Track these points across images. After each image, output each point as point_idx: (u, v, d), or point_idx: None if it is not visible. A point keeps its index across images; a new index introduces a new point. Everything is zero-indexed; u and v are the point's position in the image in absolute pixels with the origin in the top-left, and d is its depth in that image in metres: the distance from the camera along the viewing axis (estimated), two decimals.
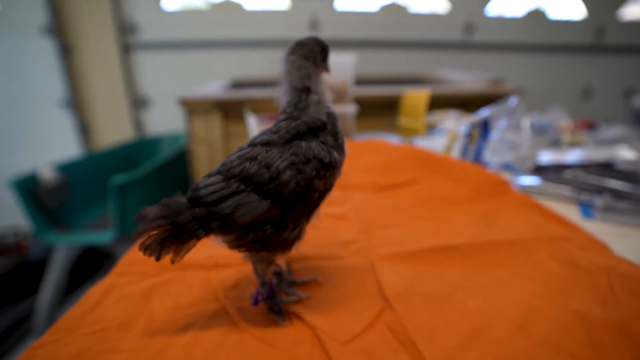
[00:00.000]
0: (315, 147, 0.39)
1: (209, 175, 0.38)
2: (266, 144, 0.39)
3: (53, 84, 1.94)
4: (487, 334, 0.38)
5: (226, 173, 0.37)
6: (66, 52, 1.93)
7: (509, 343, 0.37)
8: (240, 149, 0.40)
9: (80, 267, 1.64)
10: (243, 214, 0.36)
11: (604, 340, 0.36)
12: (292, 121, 0.41)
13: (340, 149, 0.42)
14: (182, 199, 0.37)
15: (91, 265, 1.74)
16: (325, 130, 0.42)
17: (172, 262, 0.36)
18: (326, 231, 0.61)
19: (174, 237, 0.35)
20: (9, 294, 1.66)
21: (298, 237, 0.40)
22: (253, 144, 0.40)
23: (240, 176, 0.37)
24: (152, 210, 0.35)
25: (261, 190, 0.37)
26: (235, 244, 0.39)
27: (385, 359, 0.36)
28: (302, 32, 2.02)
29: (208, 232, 0.37)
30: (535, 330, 0.39)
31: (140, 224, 0.34)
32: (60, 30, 1.89)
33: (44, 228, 1.43)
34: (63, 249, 1.50)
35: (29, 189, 1.39)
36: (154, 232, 0.35)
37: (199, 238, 0.37)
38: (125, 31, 1.99)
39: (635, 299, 0.41)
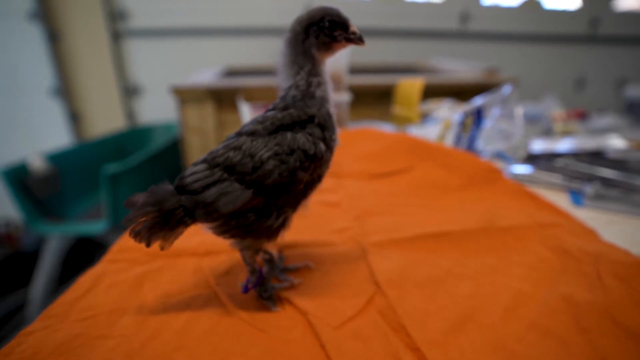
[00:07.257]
0: (300, 138, 0.38)
1: (195, 164, 0.38)
2: (251, 134, 0.39)
3: (41, 71, 1.89)
4: (478, 319, 0.39)
5: (211, 162, 0.38)
6: (54, 38, 1.88)
7: (499, 327, 0.38)
8: (228, 138, 0.40)
9: (73, 258, 1.62)
10: (225, 203, 0.36)
11: (591, 323, 0.37)
12: (279, 112, 0.40)
13: (329, 145, 0.41)
14: (169, 187, 0.37)
15: (84, 255, 1.73)
16: (313, 122, 0.40)
17: (162, 248, 0.36)
18: (319, 218, 0.61)
19: (162, 223, 0.35)
20: (1, 285, 1.65)
21: (283, 225, 0.40)
22: (239, 133, 0.40)
23: (224, 165, 0.37)
24: (140, 197, 0.35)
25: (244, 180, 0.36)
26: (220, 230, 0.39)
27: (376, 343, 0.36)
28: None
29: (194, 219, 0.37)
30: (525, 314, 0.39)
31: (130, 210, 0.35)
32: (47, 15, 1.84)
33: (35, 218, 1.41)
34: (55, 239, 1.49)
35: (19, 179, 1.37)
36: (144, 219, 0.35)
37: (186, 225, 0.37)
38: (115, 17, 1.94)
39: (622, 283, 0.41)
